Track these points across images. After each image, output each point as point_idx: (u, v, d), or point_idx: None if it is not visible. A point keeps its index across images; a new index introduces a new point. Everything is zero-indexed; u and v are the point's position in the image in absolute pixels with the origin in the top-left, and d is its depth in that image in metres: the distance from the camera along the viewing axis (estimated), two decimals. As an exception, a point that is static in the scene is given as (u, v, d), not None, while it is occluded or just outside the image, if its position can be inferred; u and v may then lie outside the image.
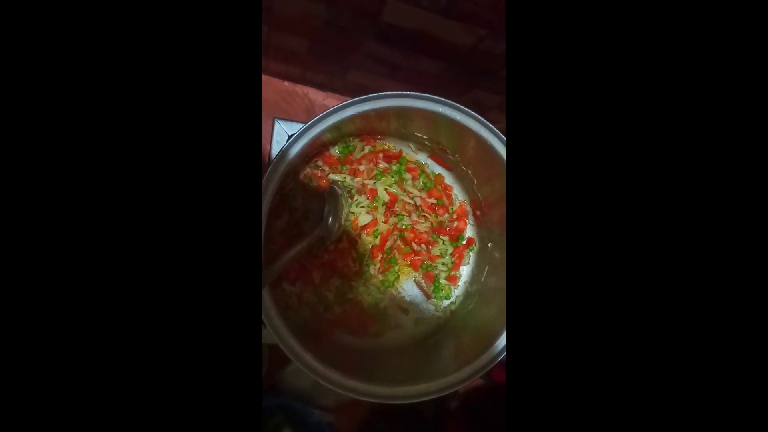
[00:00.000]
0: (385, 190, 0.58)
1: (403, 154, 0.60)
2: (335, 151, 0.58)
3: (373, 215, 0.58)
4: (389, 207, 0.59)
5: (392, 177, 0.59)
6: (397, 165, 0.60)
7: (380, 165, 0.59)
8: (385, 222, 0.59)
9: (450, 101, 0.46)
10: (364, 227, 0.58)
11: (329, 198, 0.54)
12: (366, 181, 0.58)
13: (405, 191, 0.60)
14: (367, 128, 0.56)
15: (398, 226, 0.59)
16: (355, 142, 0.58)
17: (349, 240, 0.57)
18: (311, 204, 0.56)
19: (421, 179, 0.61)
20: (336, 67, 0.58)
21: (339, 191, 0.55)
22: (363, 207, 0.58)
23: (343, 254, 0.55)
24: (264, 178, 0.45)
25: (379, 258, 0.57)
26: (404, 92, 0.46)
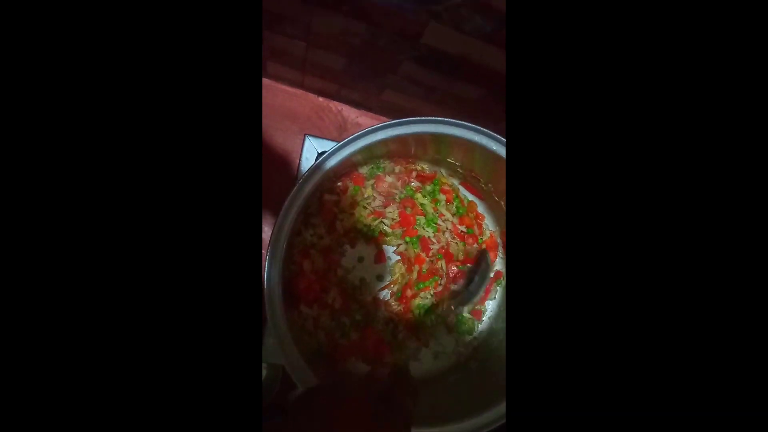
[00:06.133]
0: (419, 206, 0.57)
1: (438, 176, 0.58)
2: (364, 170, 0.56)
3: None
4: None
5: (425, 197, 0.57)
6: (432, 185, 0.57)
7: (413, 183, 0.57)
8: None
9: (487, 130, 0.44)
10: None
11: (480, 264, 0.55)
12: (394, 190, 0.56)
13: (438, 213, 0.57)
14: (400, 151, 0.54)
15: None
16: (386, 164, 0.56)
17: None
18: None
19: (455, 203, 0.58)
20: (372, 85, 0.57)
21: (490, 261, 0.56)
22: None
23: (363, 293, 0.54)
24: (290, 195, 0.43)
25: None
26: (440, 118, 0.44)
